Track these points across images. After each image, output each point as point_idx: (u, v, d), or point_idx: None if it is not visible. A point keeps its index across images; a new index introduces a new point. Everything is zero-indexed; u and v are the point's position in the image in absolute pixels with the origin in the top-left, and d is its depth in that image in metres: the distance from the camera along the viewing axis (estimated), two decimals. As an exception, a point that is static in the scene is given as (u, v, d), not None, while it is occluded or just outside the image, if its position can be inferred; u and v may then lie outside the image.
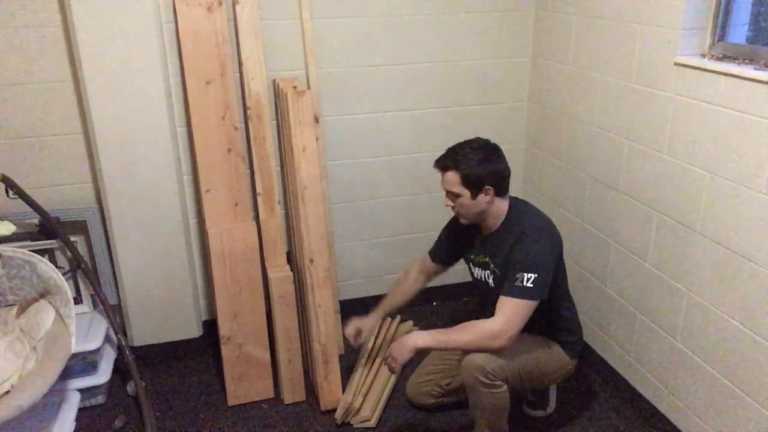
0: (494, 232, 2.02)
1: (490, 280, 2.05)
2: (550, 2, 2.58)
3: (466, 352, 1.92)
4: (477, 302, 2.27)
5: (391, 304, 2.35)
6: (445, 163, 1.95)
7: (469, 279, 2.21)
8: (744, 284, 1.78)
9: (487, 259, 2.05)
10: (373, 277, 2.92)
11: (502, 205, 1.99)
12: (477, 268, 2.12)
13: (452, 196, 1.95)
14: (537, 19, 2.68)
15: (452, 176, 1.92)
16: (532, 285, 1.84)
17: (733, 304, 1.83)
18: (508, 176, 1.98)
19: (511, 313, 1.85)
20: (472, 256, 2.13)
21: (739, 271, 1.79)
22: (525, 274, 1.85)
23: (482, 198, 1.93)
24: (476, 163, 1.90)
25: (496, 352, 1.87)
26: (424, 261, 2.33)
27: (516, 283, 1.85)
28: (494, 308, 1.89)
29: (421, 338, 1.94)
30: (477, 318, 1.93)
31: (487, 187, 1.92)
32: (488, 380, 1.88)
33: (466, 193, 1.92)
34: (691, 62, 1.89)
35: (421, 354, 2.16)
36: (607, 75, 2.27)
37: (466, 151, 1.93)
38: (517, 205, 2.03)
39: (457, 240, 2.19)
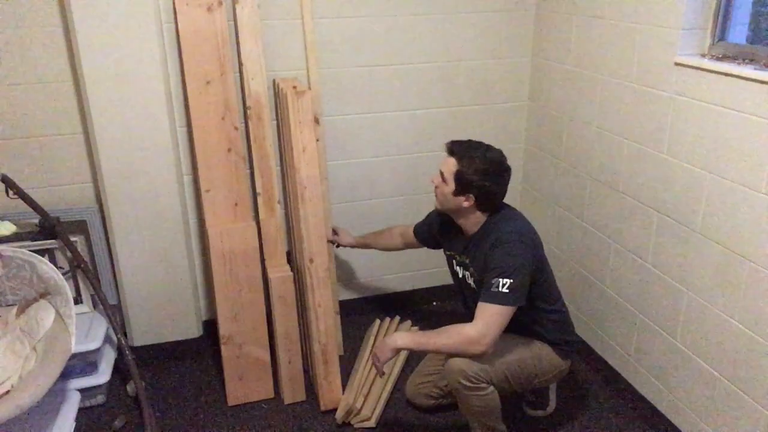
0: (473, 235, 2.03)
1: (471, 282, 2.06)
2: (550, 2, 2.58)
3: (448, 355, 1.93)
4: (460, 302, 2.27)
5: (367, 242, 2.55)
6: (454, 149, 1.97)
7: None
8: (744, 284, 1.78)
9: (467, 261, 2.06)
10: (373, 277, 2.92)
11: (480, 217, 2.01)
12: (459, 267, 2.14)
13: (441, 178, 1.99)
14: (537, 19, 2.68)
15: (451, 164, 1.95)
16: (507, 290, 1.85)
17: (733, 304, 1.83)
18: (499, 199, 2.00)
19: (488, 318, 1.85)
20: (454, 254, 2.15)
21: (739, 271, 1.79)
22: (500, 280, 1.86)
23: (462, 200, 1.96)
24: (476, 170, 1.92)
25: (477, 357, 1.88)
26: (407, 230, 2.42)
27: (492, 289, 1.86)
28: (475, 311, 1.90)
29: (402, 339, 1.97)
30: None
31: (470, 195, 1.94)
32: (471, 383, 1.89)
33: (452, 186, 1.95)
34: (691, 62, 1.89)
35: (414, 354, 2.17)
36: (607, 75, 2.27)
37: (478, 153, 1.94)
38: (500, 211, 2.02)
39: (443, 233, 2.21)
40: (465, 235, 2.07)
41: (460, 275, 2.14)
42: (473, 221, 2.01)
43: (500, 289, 1.85)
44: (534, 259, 1.94)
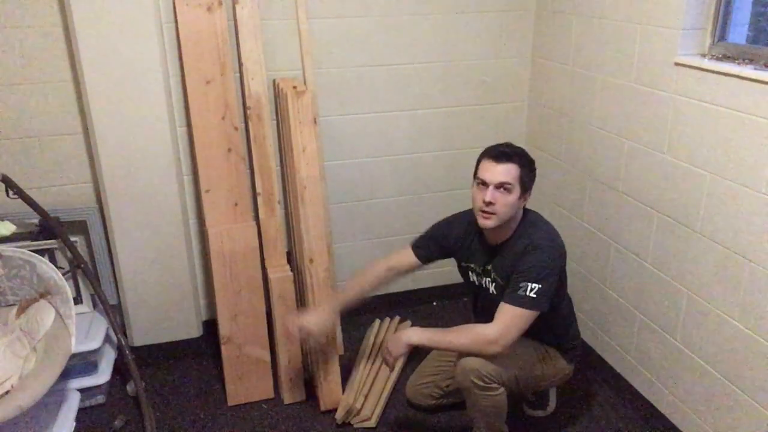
0: (502, 242, 1.98)
1: (492, 287, 2.02)
2: (550, 2, 2.58)
3: (460, 354, 1.92)
4: (471, 307, 2.23)
5: (346, 299, 2.20)
6: (508, 153, 1.89)
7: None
8: (744, 284, 1.78)
9: (489, 268, 2.01)
10: (373, 277, 2.91)
11: (517, 218, 1.97)
12: (477, 277, 2.09)
13: (502, 190, 1.86)
14: (537, 19, 2.68)
15: (513, 169, 1.87)
16: (535, 295, 1.83)
17: (733, 304, 1.83)
18: None
19: (509, 321, 1.84)
20: (471, 264, 2.09)
21: (739, 271, 1.79)
22: (529, 284, 1.84)
23: (521, 202, 1.92)
24: (531, 167, 1.92)
25: (490, 357, 1.87)
26: (400, 256, 2.17)
27: (519, 292, 1.84)
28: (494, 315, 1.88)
29: (417, 335, 1.95)
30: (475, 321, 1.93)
31: (529, 193, 1.92)
32: (483, 383, 1.88)
33: (518, 190, 1.88)
34: (691, 62, 1.89)
35: (420, 351, 2.14)
36: (607, 75, 2.27)
37: (525, 152, 1.93)
38: (528, 215, 2.00)
39: (455, 243, 2.12)
40: (489, 243, 2.01)
41: (477, 283, 2.09)
42: (509, 225, 1.95)
43: (527, 293, 1.83)
44: (561, 268, 1.94)
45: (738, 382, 1.84)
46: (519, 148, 1.94)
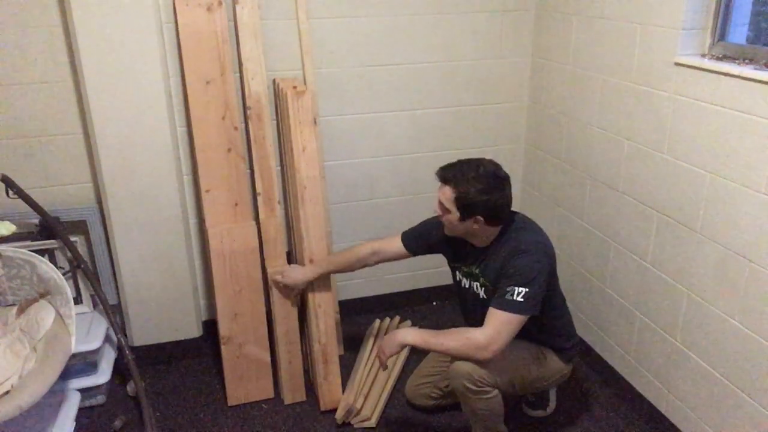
0: (486, 247, 1.98)
1: (481, 292, 2.02)
2: (550, 2, 2.57)
3: (452, 357, 1.92)
4: (460, 310, 2.23)
5: (329, 266, 2.27)
6: (446, 175, 1.90)
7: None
8: (744, 284, 1.78)
9: (477, 271, 2.01)
10: (373, 277, 2.92)
11: (492, 231, 1.95)
12: (466, 279, 2.09)
13: (442, 208, 1.92)
14: (537, 19, 2.68)
15: (448, 191, 1.88)
16: (522, 299, 1.83)
17: (733, 304, 1.83)
18: (507, 210, 1.93)
19: (499, 326, 1.83)
20: (461, 266, 2.09)
21: (739, 271, 1.79)
22: (516, 288, 1.83)
23: (470, 223, 1.90)
24: (475, 191, 1.85)
25: (480, 362, 1.87)
26: (389, 242, 2.21)
27: (506, 297, 1.84)
28: (484, 319, 1.88)
29: (410, 335, 1.96)
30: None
31: (477, 216, 1.88)
32: (476, 387, 1.88)
33: (456, 213, 1.89)
34: (691, 62, 1.89)
35: (420, 351, 2.14)
36: (607, 75, 2.27)
37: (471, 173, 1.87)
38: (515, 220, 1.99)
39: (445, 244, 2.12)
40: (475, 247, 2.02)
41: (466, 286, 2.09)
42: (484, 236, 1.96)
43: (515, 297, 1.83)
44: (550, 270, 1.94)
45: (738, 382, 1.84)
46: (465, 169, 1.88)
